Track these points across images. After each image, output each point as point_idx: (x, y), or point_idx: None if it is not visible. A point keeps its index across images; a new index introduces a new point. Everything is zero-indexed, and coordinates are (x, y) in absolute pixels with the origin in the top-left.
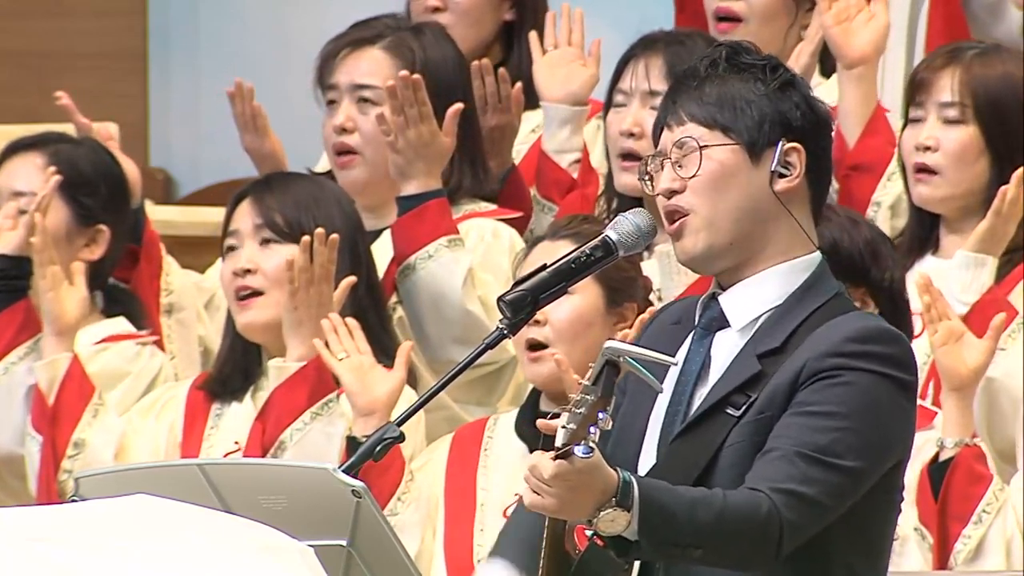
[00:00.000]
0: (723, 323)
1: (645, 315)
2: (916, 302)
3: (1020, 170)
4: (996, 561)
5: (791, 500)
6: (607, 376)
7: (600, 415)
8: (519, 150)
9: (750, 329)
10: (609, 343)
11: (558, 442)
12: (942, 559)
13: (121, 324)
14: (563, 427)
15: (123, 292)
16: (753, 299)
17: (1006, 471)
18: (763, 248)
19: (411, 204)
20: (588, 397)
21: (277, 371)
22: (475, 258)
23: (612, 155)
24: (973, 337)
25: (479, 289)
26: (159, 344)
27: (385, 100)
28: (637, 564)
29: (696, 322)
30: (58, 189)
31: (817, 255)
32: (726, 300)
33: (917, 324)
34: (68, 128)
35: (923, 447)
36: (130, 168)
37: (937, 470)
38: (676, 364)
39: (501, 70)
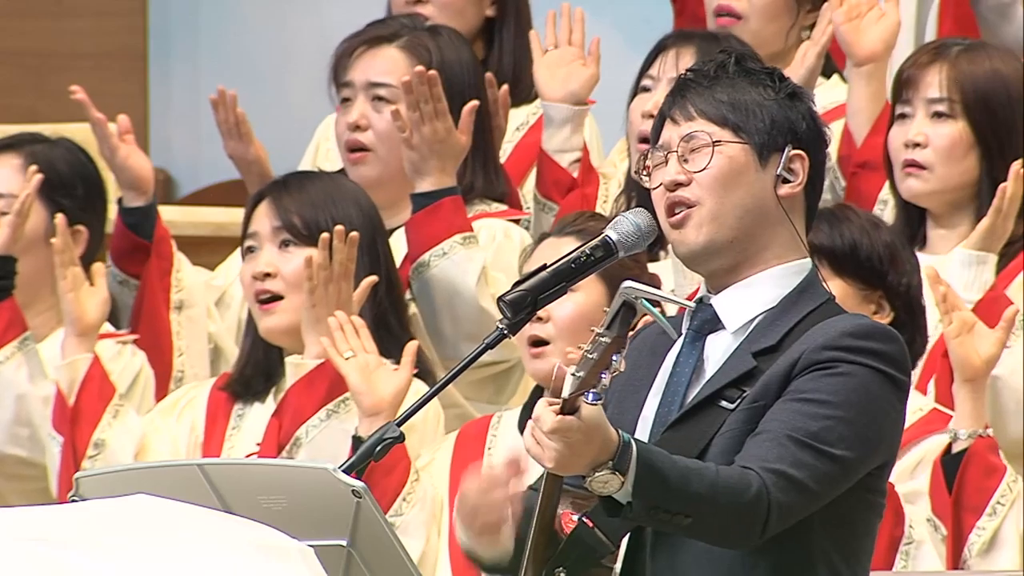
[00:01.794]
0: (716, 325)
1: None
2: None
3: (1015, 166)
4: (1011, 553)
5: (781, 481)
6: (623, 317)
7: (614, 358)
8: (504, 148)
9: (744, 330)
10: (627, 284)
11: (565, 392)
12: (956, 551)
13: None
14: (572, 374)
15: None
16: (748, 301)
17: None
18: (761, 251)
19: (425, 201)
20: (603, 340)
21: (294, 368)
22: (487, 257)
23: (631, 142)
24: (985, 328)
25: (491, 287)
26: (138, 343)
27: (400, 98)
28: (624, 545)
29: (687, 326)
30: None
31: (808, 261)
32: (719, 302)
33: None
34: (68, 128)
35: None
36: (143, 164)
37: (951, 462)
38: (692, 306)
39: (489, 75)
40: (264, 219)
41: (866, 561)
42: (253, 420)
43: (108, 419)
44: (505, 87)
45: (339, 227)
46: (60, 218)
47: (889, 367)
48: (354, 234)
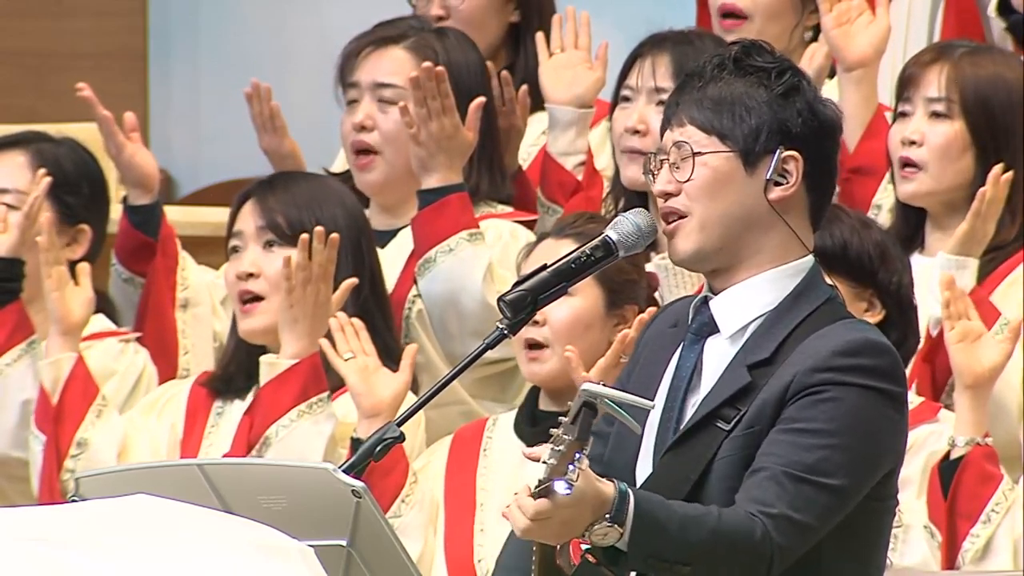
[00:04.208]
0: (713, 329)
1: (644, 315)
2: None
3: (996, 169)
4: (1004, 561)
5: (782, 524)
6: (584, 418)
7: (577, 455)
8: (529, 152)
9: (740, 336)
10: (586, 386)
11: (541, 475)
12: (950, 557)
13: (102, 321)
14: (544, 462)
15: (98, 291)
16: (743, 305)
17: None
18: (754, 254)
19: (432, 198)
20: (566, 437)
21: (268, 367)
22: (494, 256)
23: (617, 151)
24: (990, 337)
25: (498, 285)
26: (141, 341)
27: (406, 98)
28: None
29: (688, 326)
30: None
31: (809, 259)
32: (716, 305)
33: None
34: (69, 128)
35: (927, 439)
36: (149, 162)
37: (947, 468)
38: (652, 407)
39: (504, 73)
40: (249, 218)
41: (880, 559)
42: (232, 418)
43: (91, 418)
44: (524, 88)
45: (319, 228)
46: (46, 217)
47: (881, 382)
48: (334, 235)
